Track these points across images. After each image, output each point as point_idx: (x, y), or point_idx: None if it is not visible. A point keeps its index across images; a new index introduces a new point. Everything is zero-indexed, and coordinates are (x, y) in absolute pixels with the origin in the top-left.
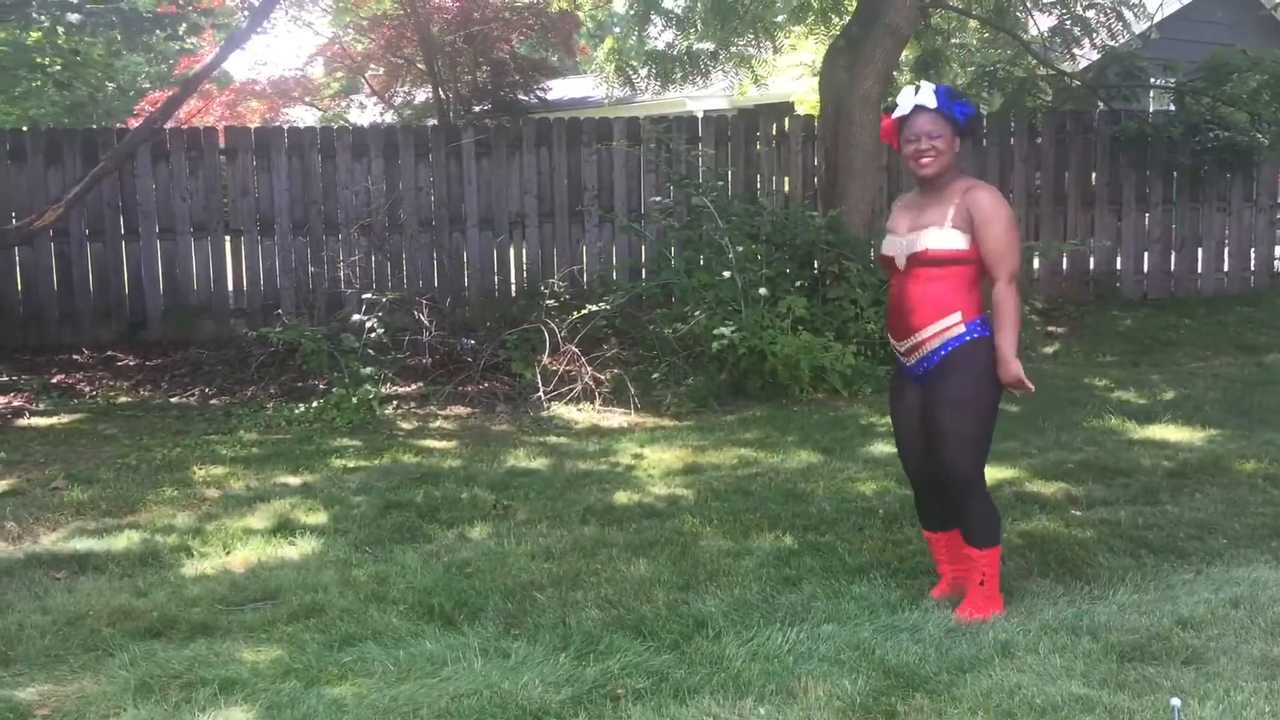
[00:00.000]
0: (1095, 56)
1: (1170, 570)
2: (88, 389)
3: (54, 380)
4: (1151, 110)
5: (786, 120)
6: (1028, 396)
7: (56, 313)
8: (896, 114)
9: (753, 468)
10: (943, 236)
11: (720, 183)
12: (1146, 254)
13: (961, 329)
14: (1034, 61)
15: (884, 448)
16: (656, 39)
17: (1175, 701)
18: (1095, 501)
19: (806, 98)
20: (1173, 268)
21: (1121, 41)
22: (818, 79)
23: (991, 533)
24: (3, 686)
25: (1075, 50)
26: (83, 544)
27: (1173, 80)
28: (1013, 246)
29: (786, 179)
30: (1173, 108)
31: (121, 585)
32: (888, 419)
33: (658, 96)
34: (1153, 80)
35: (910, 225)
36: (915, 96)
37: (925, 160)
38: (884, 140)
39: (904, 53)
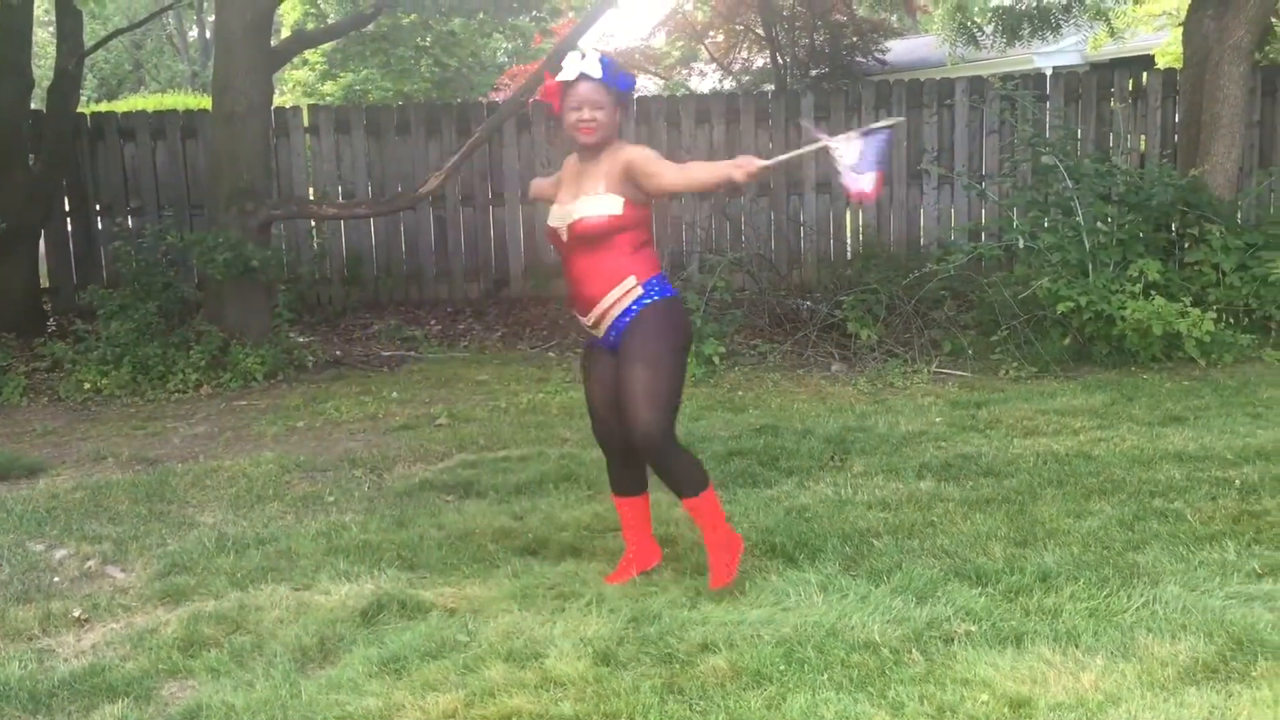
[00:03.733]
0: None
1: None
2: (462, 340)
3: (434, 330)
4: None
5: (1144, 75)
6: None
7: (434, 271)
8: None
9: (1096, 432)
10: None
11: (1070, 142)
12: None
13: (640, 290)
14: None
15: (1243, 418)
16: None
17: None
18: None
19: (1168, 50)
20: None
21: None
22: (1181, 30)
23: (698, 477)
24: (410, 586)
25: None
26: (466, 473)
27: None
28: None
29: (1143, 137)
30: None
31: (501, 509)
32: (1249, 390)
33: (1002, 54)
34: None
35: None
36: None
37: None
38: (545, 99)
39: None
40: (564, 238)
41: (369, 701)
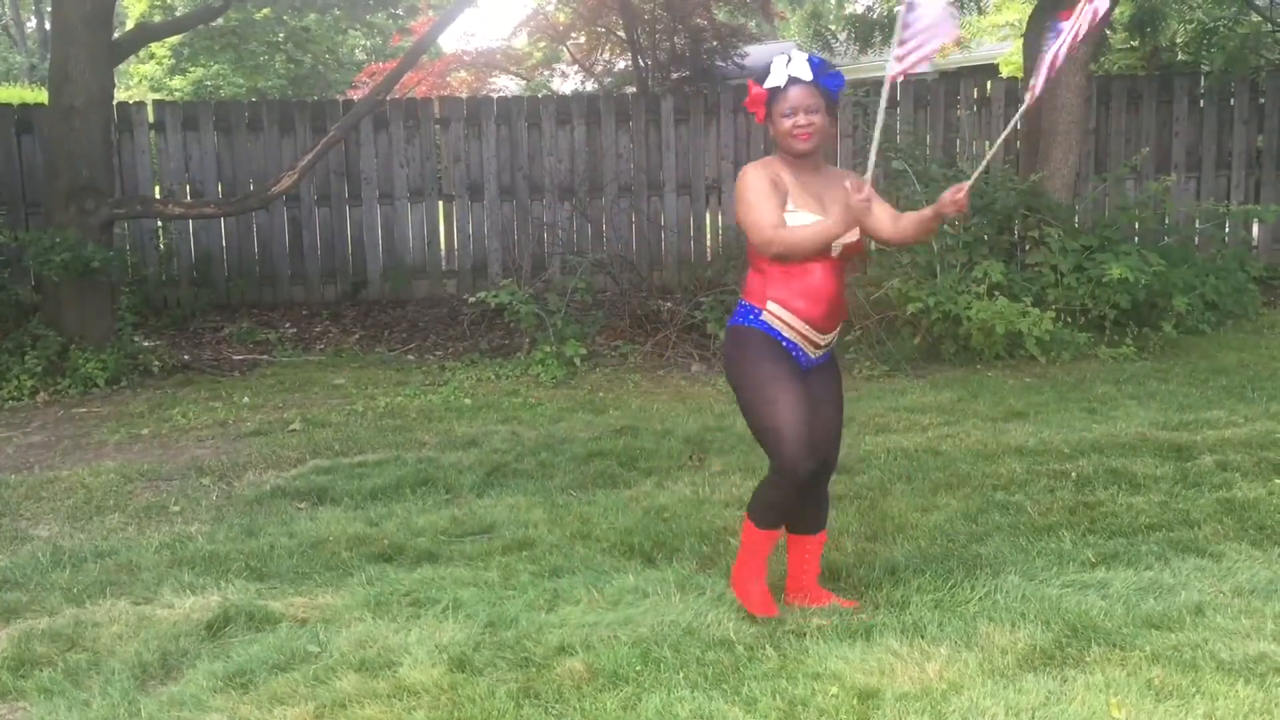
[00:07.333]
0: None
1: None
2: (318, 343)
3: (289, 334)
4: None
5: (989, 83)
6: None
7: (288, 272)
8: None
9: (943, 429)
10: None
11: (919, 148)
12: None
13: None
14: (1258, 18)
15: (1079, 413)
16: (856, 2)
17: None
18: None
19: (1011, 60)
20: None
21: None
22: (1022, 40)
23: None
24: (259, 597)
25: None
26: (320, 479)
27: None
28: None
29: (987, 143)
30: None
31: (355, 516)
32: (1085, 386)
33: (856, 61)
34: None
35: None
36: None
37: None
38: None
39: (1118, 9)
40: (833, 252)
41: (212, 717)
